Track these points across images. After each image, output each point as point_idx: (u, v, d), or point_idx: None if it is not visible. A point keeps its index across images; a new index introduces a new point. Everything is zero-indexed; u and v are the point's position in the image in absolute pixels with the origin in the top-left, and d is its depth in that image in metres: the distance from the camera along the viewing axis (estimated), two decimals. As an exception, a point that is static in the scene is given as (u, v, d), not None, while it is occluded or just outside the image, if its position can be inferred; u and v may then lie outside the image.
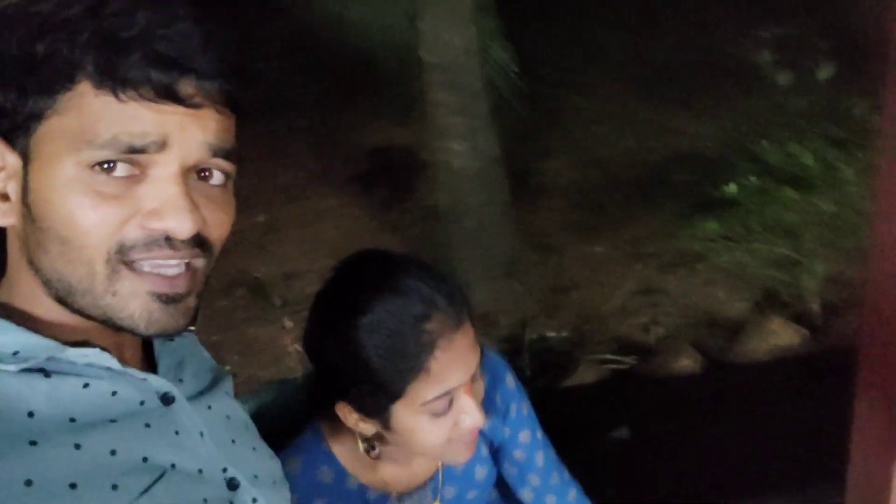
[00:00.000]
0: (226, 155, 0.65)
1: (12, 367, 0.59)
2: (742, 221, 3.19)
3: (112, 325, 0.63)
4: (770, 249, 3.20)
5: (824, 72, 2.63)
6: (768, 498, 1.67)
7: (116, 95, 0.58)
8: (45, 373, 0.61)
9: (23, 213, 0.62)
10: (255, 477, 0.77)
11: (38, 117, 0.60)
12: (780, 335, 3.15)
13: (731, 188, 3.07)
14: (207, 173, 0.65)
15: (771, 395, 2.90)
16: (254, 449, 0.81)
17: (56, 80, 0.59)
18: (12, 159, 0.62)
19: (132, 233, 0.61)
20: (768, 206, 3.03)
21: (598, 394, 3.15)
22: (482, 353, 1.03)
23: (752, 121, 4.70)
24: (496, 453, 1.19)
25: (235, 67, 0.64)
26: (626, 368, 3.26)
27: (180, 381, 0.75)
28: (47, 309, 0.65)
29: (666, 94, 5.26)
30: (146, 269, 0.62)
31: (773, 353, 3.13)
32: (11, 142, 0.62)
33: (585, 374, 3.19)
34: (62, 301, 0.63)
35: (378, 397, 0.90)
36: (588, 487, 1.29)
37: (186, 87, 0.60)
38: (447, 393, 0.90)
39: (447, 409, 0.91)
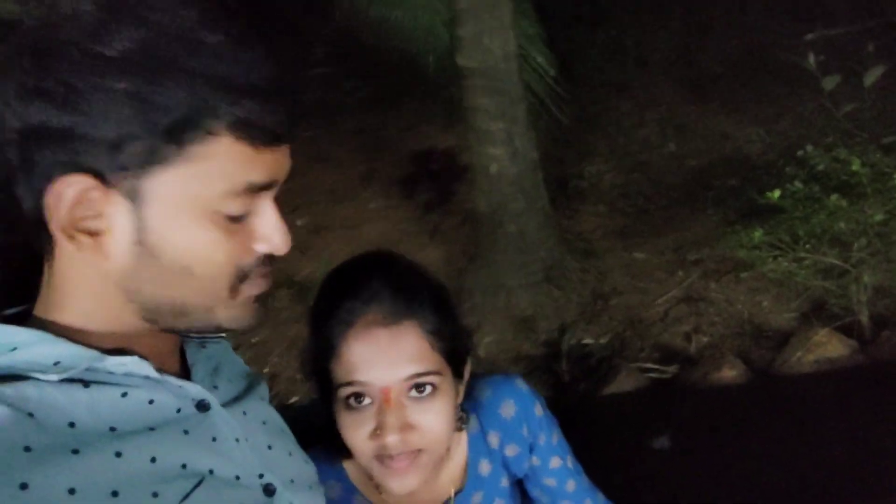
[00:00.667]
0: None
1: (54, 377, 0.59)
2: (788, 229, 3.11)
3: (200, 332, 0.72)
4: (817, 258, 3.11)
5: (872, 75, 2.54)
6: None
7: (255, 146, 0.62)
8: (84, 383, 0.62)
9: (134, 252, 0.62)
10: (292, 482, 0.78)
11: (159, 162, 0.60)
12: (828, 347, 3.06)
13: (775, 194, 3.00)
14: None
15: (817, 409, 2.82)
16: (290, 454, 0.82)
17: (189, 132, 0.59)
18: (119, 206, 0.61)
19: (249, 259, 0.67)
20: (815, 213, 2.95)
21: (638, 402, 3.11)
22: (507, 383, 1.07)
23: (799, 126, 4.59)
24: (523, 481, 1.17)
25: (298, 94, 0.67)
26: (668, 377, 3.21)
27: (215, 387, 0.77)
28: (104, 319, 0.66)
29: (711, 97, 5.16)
30: (257, 278, 0.68)
31: (820, 365, 3.04)
32: (106, 181, 0.60)
33: (625, 382, 3.15)
34: (154, 321, 0.67)
35: (319, 363, 0.95)
36: (627, 497, 1.28)
37: (286, 125, 0.65)
38: (357, 385, 0.90)
39: (362, 408, 0.91)
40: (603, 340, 3.43)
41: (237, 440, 0.72)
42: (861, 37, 4.31)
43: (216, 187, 0.62)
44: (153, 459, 0.62)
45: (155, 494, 0.61)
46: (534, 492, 1.18)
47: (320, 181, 5.09)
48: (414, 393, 0.91)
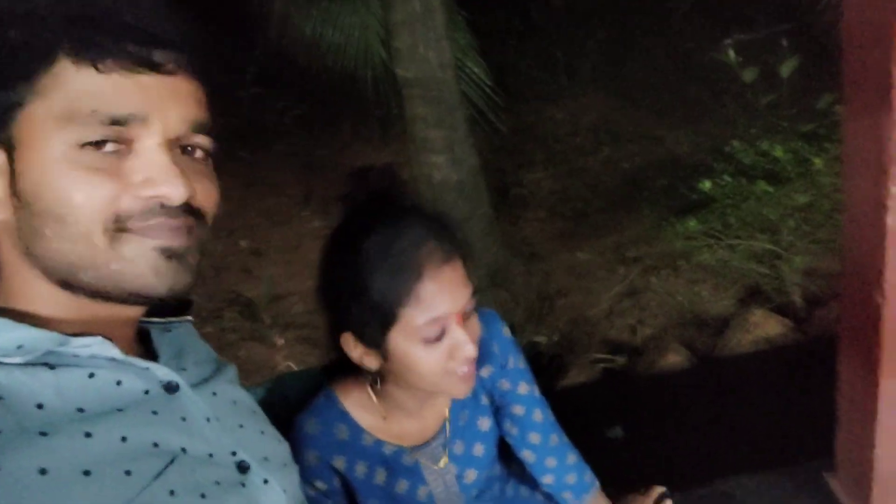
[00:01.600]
0: (205, 131, 0.68)
1: (18, 360, 0.60)
2: (721, 219, 3.24)
3: (119, 294, 0.64)
4: (750, 244, 3.25)
5: (788, 66, 2.70)
6: (763, 477, 1.71)
7: (96, 67, 0.60)
8: (50, 366, 0.62)
9: (14, 203, 0.63)
10: (266, 459, 0.78)
11: (19, 105, 0.61)
12: (765, 327, 3.18)
13: (706, 185, 3.13)
14: (190, 150, 0.68)
15: (759, 385, 2.93)
16: (262, 433, 0.82)
17: (34, 63, 0.60)
18: (1, 155, 0.63)
19: (127, 204, 0.62)
20: (745, 201, 3.09)
21: (590, 394, 3.17)
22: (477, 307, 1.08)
23: (723, 124, 4.81)
24: (497, 412, 1.21)
25: (199, 39, 0.67)
26: (617, 368, 3.28)
27: (183, 369, 0.76)
28: (47, 301, 0.65)
29: (640, 103, 5.37)
30: (148, 226, 0.63)
31: (759, 344, 3.16)
32: None
33: (578, 375, 3.21)
34: (66, 284, 0.64)
35: (375, 324, 0.96)
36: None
37: (159, 55, 0.63)
38: (436, 319, 0.95)
39: (440, 337, 0.96)
40: (553, 339, 3.49)
41: (208, 419, 0.72)
42: (776, 38, 4.58)
43: (66, 118, 0.60)
44: (123, 439, 0.62)
45: (128, 472, 0.60)
46: (505, 425, 1.22)
47: (258, 204, 5.03)
48: (468, 312, 1.00)
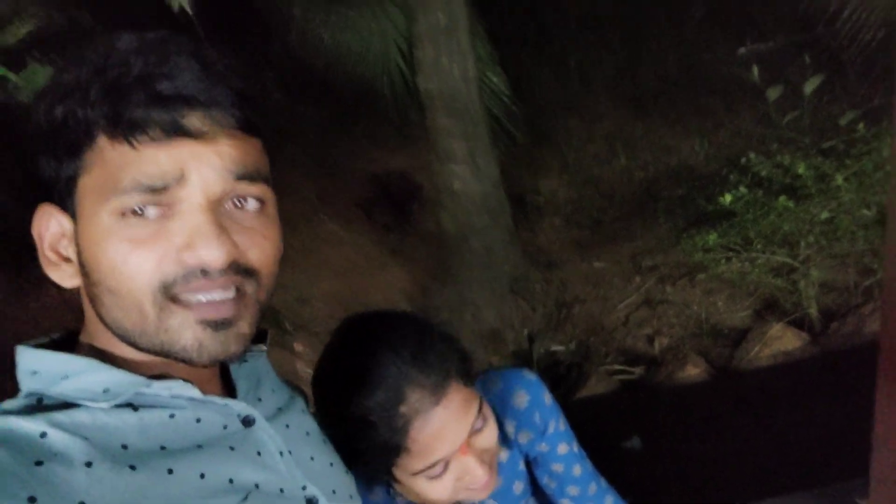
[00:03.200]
0: (251, 178, 0.65)
1: (104, 405, 0.62)
2: (740, 232, 3.28)
3: (172, 358, 0.65)
4: (768, 258, 3.28)
5: (811, 84, 2.74)
6: (785, 498, 1.73)
7: (130, 143, 0.60)
8: (134, 407, 0.64)
9: (81, 272, 0.66)
10: (334, 492, 0.79)
11: (73, 178, 0.64)
12: (782, 340, 3.22)
13: (727, 199, 3.17)
14: (242, 201, 0.66)
15: (777, 398, 2.97)
16: (331, 465, 0.83)
17: (78, 140, 0.62)
18: (67, 223, 0.66)
19: (169, 268, 0.62)
20: (765, 216, 3.13)
21: (608, 405, 3.21)
22: (517, 376, 1.10)
23: (737, 136, 4.85)
24: (531, 466, 1.23)
25: (240, 92, 0.65)
26: (635, 379, 3.32)
27: (259, 399, 0.79)
28: (126, 352, 0.68)
29: (656, 112, 5.40)
30: (193, 301, 0.63)
31: (776, 357, 3.20)
32: (63, 206, 0.66)
33: (596, 386, 3.24)
34: (131, 344, 0.66)
35: (377, 463, 0.94)
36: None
37: (194, 120, 0.62)
38: (435, 463, 0.91)
39: (443, 472, 0.93)
40: (570, 347, 3.53)
41: (281, 453, 0.74)
42: (790, 50, 4.60)
43: (107, 191, 0.61)
44: (202, 475, 0.64)
45: None
46: (543, 479, 1.24)
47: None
48: (475, 430, 0.96)
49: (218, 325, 0.64)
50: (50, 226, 0.67)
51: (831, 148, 3.16)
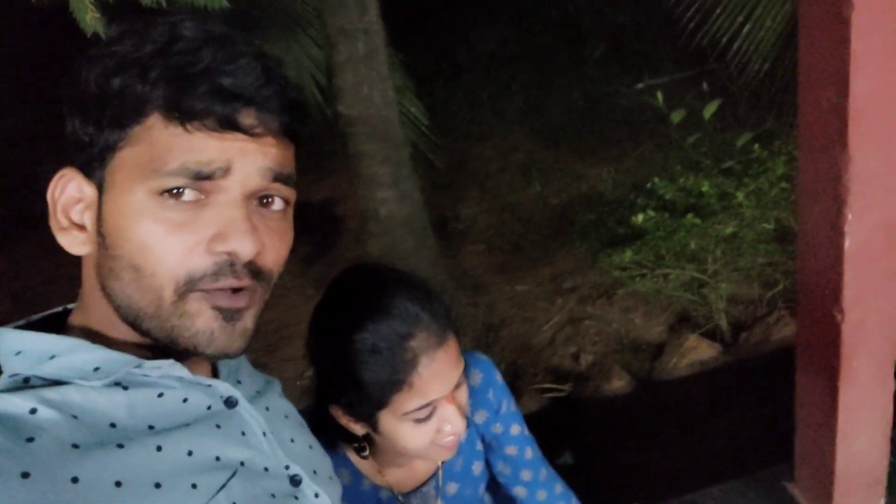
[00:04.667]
0: (285, 180, 0.68)
1: (97, 383, 0.62)
2: (653, 250, 3.45)
3: (176, 347, 0.65)
4: (679, 273, 3.47)
5: (709, 109, 2.97)
6: (717, 487, 1.82)
7: (184, 126, 0.62)
8: (123, 386, 0.64)
9: (97, 241, 0.66)
10: (315, 472, 0.80)
11: (111, 149, 0.64)
12: (698, 351, 3.40)
13: (639, 218, 3.34)
14: (269, 200, 0.68)
15: (698, 404, 3.13)
16: (310, 447, 0.85)
17: (129, 114, 0.63)
18: (89, 190, 0.66)
19: (200, 260, 0.63)
20: (675, 234, 3.31)
21: (540, 422, 3.26)
22: (471, 356, 1.12)
23: (642, 163, 5.14)
24: (487, 452, 1.24)
25: (292, 100, 0.68)
26: (564, 395, 3.40)
27: (238, 382, 0.79)
28: (120, 331, 0.67)
29: (565, 142, 5.64)
30: (214, 288, 0.64)
31: (693, 367, 3.37)
32: (88, 173, 0.66)
33: (527, 404, 3.29)
34: (131, 324, 0.66)
35: (365, 405, 0.97)
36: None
37: (247, 118, 0.64)
38: (428, 404, 0.96)
39: (429, 417, 0.97)
40: (500, 369, 3.57)
41: (264, 434, 0.74)
42: (684, 83, 4.96)
43: (151, 169, 0.62)
44: (190, 453, 0.65)
45: (194, 486, 0.63)
46: (497, 465, 1.26)
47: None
48: (458, 384, 1.01)
49: (230, 315, 0.65)
50: (67, 189, 0.67)
51: (730, 168, 3.40)
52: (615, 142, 5.50)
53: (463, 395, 1.02)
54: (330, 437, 1.08)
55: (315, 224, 5.03)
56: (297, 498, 0.75)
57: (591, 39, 6.45)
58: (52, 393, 0.60)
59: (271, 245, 0.68)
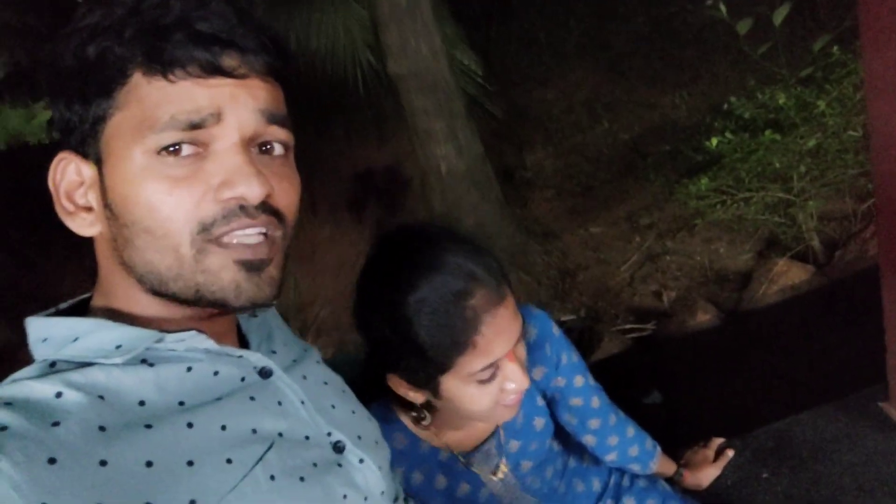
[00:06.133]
0: (280, 122, 0.67)
1: (118, 360, 0.62)
2: (732, 174, 3.25)
3: (204, 303, 0.65)
4: (763, 196, 3.25)
5: (780, 13, 2.69)
6: (809, 412, 1.72)
7: (167, 78, 0.61)
8: (149, 363, 0.64)
9: (106, 215, 0.65)
10: (359, 438, 0.78)
11: (102, 119, 0.63)
12: (788, 275, 3.20)
13: (713, 142, 3.14)
14: (268, 146, 0.67)
15: (790, 331, 2.95)
16: (353, 412, 0.82)
17: (111, 78, 0.62)
18: (88, 170, 0.65)
19: (209, 208, 0.62)
20: (754, 153, 3.09)
21: (624, 363, 3.18)
22: (525, 310, 1.06)
23: (716, 83, 4.83)
24: (551, 405, 1.21)
25: (271, 38, 0.66)
26: (648, 334, 3.30)
27: (273, 352, 0.77)
28: (144, 306, 0.67)
29: (632, 73, 5.37)
30: (231, 242, 0.63)
31: (784, 293, 3.18)
32: (84, 153, 0.65)
33: (609, 347, 3.22)
34: (156, 292, 0.65)
35: (427, 370, 0.93)
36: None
37: (230, 60, 0.63)
38: (492, 364, 0.93)
39: (493, 377, 0.94)
40: (580, 314, 3.50)
41: (302, 402, 0.73)
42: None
43: (144, 128, 0.61)
44: (223, 427, 0.63)
45: (229, 461, 0.61)
46: (563, 416, 1.22)
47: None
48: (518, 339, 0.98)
49: (253, 266, 0.64)
50: (67, 173, 0.66)
51: (809, 76, 3.12)
52: (686, 64, 5.19)
53: (522, 351, 0.98)
54: (383, 403, 1.07)
55: (383, 188, 5.05)
56: (340, 465, 0.73)
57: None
58: (76, 375, 0.60)
59: (280, 188, 0.66)
